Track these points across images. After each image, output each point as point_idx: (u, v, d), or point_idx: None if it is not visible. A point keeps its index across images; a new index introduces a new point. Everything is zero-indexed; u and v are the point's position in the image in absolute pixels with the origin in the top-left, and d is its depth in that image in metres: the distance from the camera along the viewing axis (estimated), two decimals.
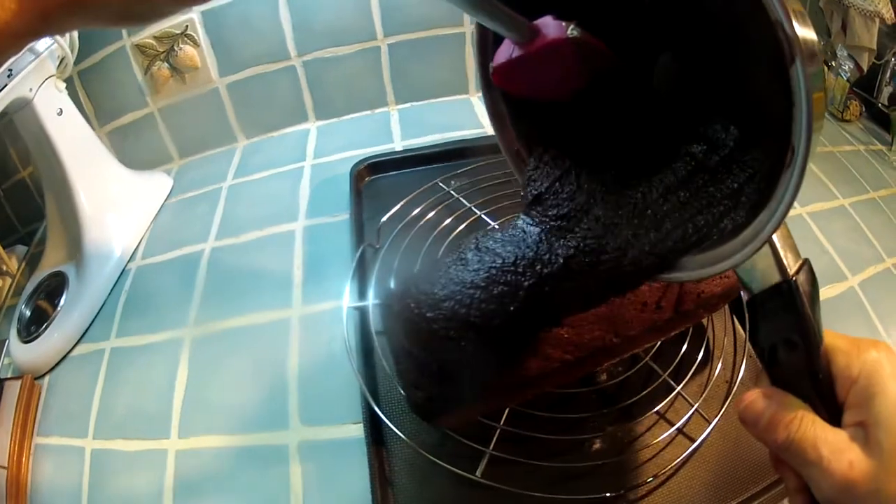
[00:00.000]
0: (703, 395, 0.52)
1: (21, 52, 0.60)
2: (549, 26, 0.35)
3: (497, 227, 0.65)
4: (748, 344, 0.56)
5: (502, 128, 0.48)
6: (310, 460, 0.53)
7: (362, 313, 0.60)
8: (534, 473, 0.47)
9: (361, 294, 0.61)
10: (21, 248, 0.84)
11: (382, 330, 0.52)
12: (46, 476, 0.59)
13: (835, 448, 0.30)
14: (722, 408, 0.52)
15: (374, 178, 0.77)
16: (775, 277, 0.32)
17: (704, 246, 0.35)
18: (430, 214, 0.68)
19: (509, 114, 0.47)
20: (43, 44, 0.68)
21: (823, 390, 0.33)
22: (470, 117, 0.89)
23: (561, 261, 0.44)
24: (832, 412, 0.32)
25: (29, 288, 0.75)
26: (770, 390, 0.34)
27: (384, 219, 0.67)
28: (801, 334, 0.32)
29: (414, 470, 0.50)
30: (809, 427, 0.31)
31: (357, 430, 0.54)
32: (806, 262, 0.32)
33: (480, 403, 0.48)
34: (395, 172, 0.78)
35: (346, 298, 0.60)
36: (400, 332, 0.46)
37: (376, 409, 0.51)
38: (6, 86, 0.63)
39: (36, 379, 0.66)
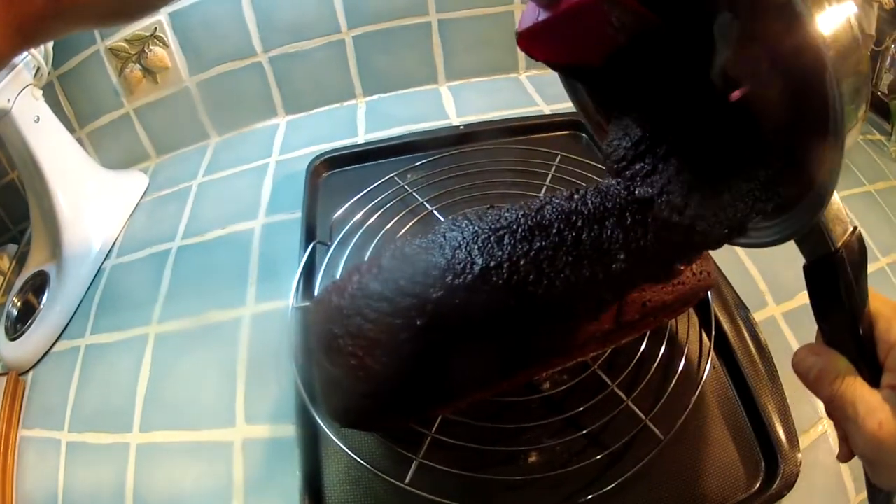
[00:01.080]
0: (657, 408, 0.50)
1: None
2: None
3: (444, 221, 0.65)
4: (713, 349, 0.54)
5: (579, 100, 0.47)
6: (252, 458, 0.55)
7: (306, 313, 0.61)
8: (465, 484, 0.46)
9: (308, 293, 0.62)
10: (12, 248, 0.88)
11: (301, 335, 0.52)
12: (30, 467, 0.63)
13: (869, 408, 0.33)
14: (676, 423, 0.49)
15: (331, 173, 0.78)
16: (823, 249, 0.34)
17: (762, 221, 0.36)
18: (383, 210, 0.68)
19: (583, 88, 0.46)
20: (18, 56, 0.70)
21: (865, 352, 0.36)
22: (437, 108, 0.89)
23: (478, 268, 0.44)
24: (873, 372, 0.35)
25: (16, 286, 0.79)
26: (819, 348, 0.37)
27: (336, 215, 0.68)
28: (847, 300, 0.35)
29: (347, 472, 0.50)
30: (850, 386, 0.35)
31: (294, 431, 0.55)
32: (855, 232, 0.34)
33: (397, 415, 0.46)
34: (353, 167, 0.78)
35: (292, 298, 0.61)
36: (314, 343, 0.46)
37: (311, 409, 0.51)
38: None
39: (21, 375, 0.70)
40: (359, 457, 0.48)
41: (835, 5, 0.26)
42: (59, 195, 0.75)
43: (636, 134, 0.40)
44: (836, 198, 0.33)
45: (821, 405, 0.52)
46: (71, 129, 0.84)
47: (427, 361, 0.42)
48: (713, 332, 0.55)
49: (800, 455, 0.49)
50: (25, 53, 0.71)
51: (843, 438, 0.38)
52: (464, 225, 0.48)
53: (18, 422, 0.67)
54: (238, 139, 0.92)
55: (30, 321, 0.73)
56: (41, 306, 0.74)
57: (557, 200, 0.43)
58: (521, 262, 0.41)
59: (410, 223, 0.67)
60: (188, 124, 0.91)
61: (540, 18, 0.35)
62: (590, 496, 0.46)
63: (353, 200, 0.69)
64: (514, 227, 0.43)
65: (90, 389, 0.66)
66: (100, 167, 0.83)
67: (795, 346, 0.57)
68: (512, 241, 0.43)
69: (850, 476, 0.53)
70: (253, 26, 0.85)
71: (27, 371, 0.71)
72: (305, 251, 0.65)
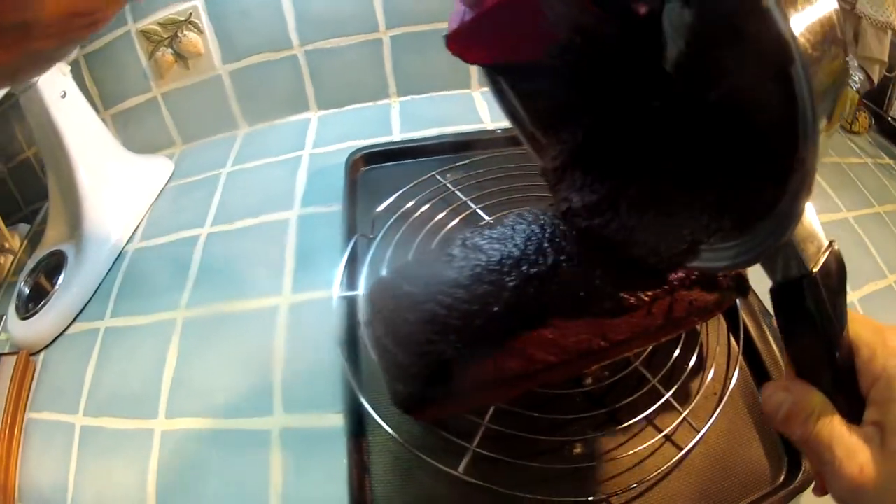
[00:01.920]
0: (693, 404, 0.51)
1: None
2: None
3: (491, 221, 0.65)
4: (741, 355, 0.56)
5: (511, 110, 0.45)
6: (290, 448, 0.54)
7: (351, 303, 0.60)
8: (516, 473, 0.47)
9: (352, 284, 0.61)
10: (24, 227, 0.85)
11: (366, 322, 0.51)
12: (36, 450, 0.60)
13: (848, 450, 0.30)
14: (711, 417, 0.51)
15: (369, 168, 0.77)
16: (794, 272, 0.31)
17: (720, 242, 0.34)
18: (425, 207, 0.68)
19: (514, 94, 0.43)
20: None
21: (844, 383, 0.32)
22: (470, 112, 0.89)
23: (550, 260, 0.45)
24: (854, 406, 0.31)
25: (29, 265, 0.76)
26: (790, 383, 0.33)
27: (378, 209, 0.67)
28: (822, 327, 0.31)
29: (395, 462, 0.50)
30: (826, 426, 0.31)
31: (339, 420, 0.54)
32: (830, 251, 0.31)
33: (461, 402, 0.47)
34: (391, 164, 0.78)
35: (336, 288, 0.60)
36: (380, 330, 0.46)
37: (361, 398, 0.50)
38: None
39: (31, 355, 0.67)
40: (412, 446, 0.47)
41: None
42: (81, 173, 0.73)
43: (574, 153, 0.40)
44: (810, 213, 0.29)
45: None
46: (95, 110, 0.81)
47: (501, 347, 0.43)
48: (742, 337, 0.56)
49: None
50: None
51: (819, 475, 0.34)
52: (531, 219, 0.49)
53: (26, 403, 0.65)
54: (268, 131, 0.90)
55: (44, 301, 0.70)
56: (57, 286, 0.71)
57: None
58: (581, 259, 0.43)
59: (454, 221, 0.66)
60: (217, 113, 0.89)
61: (466, 18, 0.32)
62: (633, 485, 0.47)
63: (396, 195, 0.68)
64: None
65: (109, 373, 0.63)
66: (124, 149, 0.81)
67: None
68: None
69: None
70: (291, 18, 0.85)
71: (38, 352, 0.68)
72: (349, 243, 0.64)
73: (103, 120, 0.83)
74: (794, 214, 0.27)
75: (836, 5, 0.24)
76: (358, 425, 0.52)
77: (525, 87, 0.41)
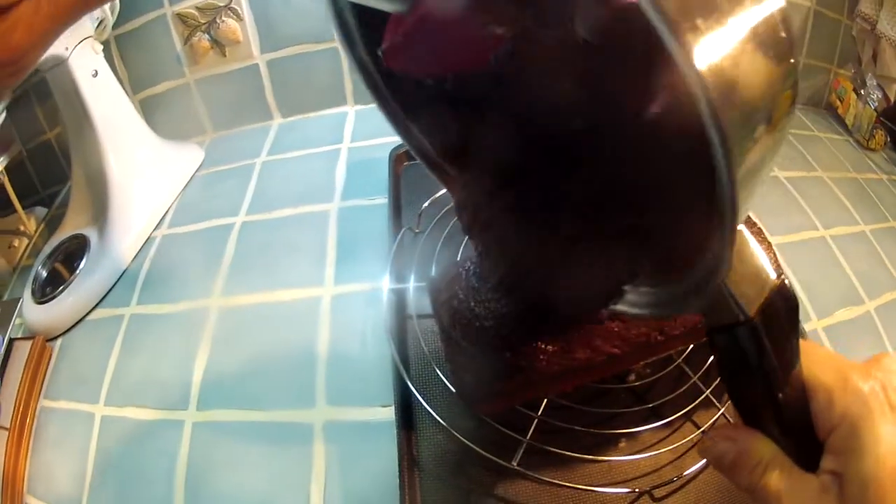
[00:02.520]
0: (727, 400, 0.51)
1: None
2: None
3: None
4: None
5: (417, 145, 0.42)
6: (335, 441, 0.51)
7: (399, 296, 0.57)
8: (564, 465, 0.47)
9: (400, 277, 0.59)
10: (41, 210, 0.82)
11: (426, 313, 0.50)
12: (50, 440, 0.57)
13: (800, 502, 0.27)
14: None
15: (412, 163, 0.75)
16: (728, 318, 0.27)
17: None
18: None
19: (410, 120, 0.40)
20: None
21: (795, 429, 0.28)
22: None
23: None
24: (809, 452, 0.28)
25: (47, 249, 0.73)
26: (736, 431, 0.30)
27: (426, 204, 0.65)
28: (763, 376, 0.28)
29: (444, 455, 0.48)
30: (774, 477, 0.28)
31: (385, 413, 0.52)
32: (779, 289, 0.27)
33: (526, 392, 0.47)
34: None
35: (387, 280, 0.58)
36: (447, 320, 0.45)
37: (413, 390, 0.49)
38: None
39: (48, 341, 0.64)
40: (465, 439, 0.47)
41: None
42: (110, 156, 0.71)
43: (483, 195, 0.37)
44: (750, 245, 0.26)
45: None
46: (124, 93, 0.79)
47: (568, 338, 0.44)
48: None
49: None
50: None
51: None
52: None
53: (41, 391, 0.61)
54: (303, 123, 0.88)
55: (63, 286, 0.67)
56: (78, 271, 0.68)
57: None
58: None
59: None
60: (252, 102, 0.87)
61: (401, 31, 0.30)
62: (674, 478, 0.47)
63: (444, 191, 0.66)
64: None
65: (134, 362, 0.60)
66: (154, 134, 0.79)
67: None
68: None
69: None
70: None
71: (56, 337, 0.65)
72: (397, 236, 0.62)
73: (132, 104, 0.81)
74: (715, 267, 0.24)
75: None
76: (407, 418, 0.50)
77: (436, 117, 0.38)
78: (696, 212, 0.22)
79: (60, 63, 0.66)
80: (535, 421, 0.48)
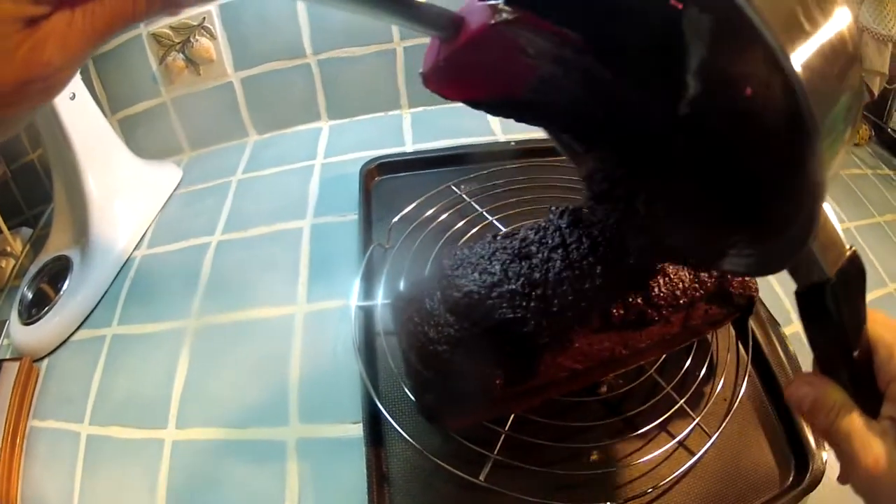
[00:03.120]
0: (705, 410, 0.53)
1: None
2: (474, 12, 0.29)
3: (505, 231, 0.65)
4: (750, 362, 0.56)
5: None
6: (307, 458, 0.53)
7: (368, 313, 0.59)
8: (534, 479, 0.47)
9: (368, 294, 0.61)
10: (26, 231, 0.84)
11: (393, 330, 0.52)
12: (40, 459, 0.59)
13: (864, 443, 0.31)
14: (722, 423, 0.52)
15: (383, 178, 0.76)
16: (815, 277, 0.32)
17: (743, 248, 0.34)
18: (443, 217, 0.68)
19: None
20: None
21: (862, 380, 0.34)
22: (482, 124, 0.88)
23: (576, 273, 0.45)
24: (872, 401, 0.33)
25: (32, 270, 0.74)
26: (813, 378, 0.35)
27: (395, 219, 0.67)
28: (840, 328, 0.33)
29: (414, 471, 0.50)
30: (844, 420, 0.32)
31: (356, 430, 0.53)
32: (850, 256, 0.32)
33: (485, 412, 0.48)
34: (405, 174, 0.77)
35: (355, 297, 0.59)
36: (405, 343, 0.46)
37: (380, 407, 0.50)
38: None
39: (35, 361, 0.66)
40: (431, 455, 0.47)
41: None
42: (89, 177, 0.72)
43: (611, 172, 0.40)
44: (830, 220, 0.31)
45: None
46: (102, 114, 0.80)
47: (529, 357, 0.44)
48: (750, 346, 0.57)
49: (825, 453, 0.51)
50: None
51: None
52: (552, 230, 0.49)
53: (29, 411, 0.63)
54: (279, 139, 0.89)
55: (48, 306, 0.69)
56: (62, 292, 0.70)
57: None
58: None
59: (472, 231, 0.66)
60: (228, 120, 0.88)
61: (441, 57, 0.31)
62: (648, 490, 0.48)
63: (413, 206, 0.68)
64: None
65: (117, 381, 0.62)
66: (132, 154, 0.80)
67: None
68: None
69: None
70: (306, 27, 0.84)
71: (42, 358, 0.67)
72: (366, 253, 0.64)
73: (110, 124, 0.82)
74: (807, 233, 0.28)
75: (849, 18, 0.24)
76: (376, 434, 0.52)
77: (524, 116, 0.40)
78: (799, 183, 0.26)
79: None
80: (503, 436, 0.49)
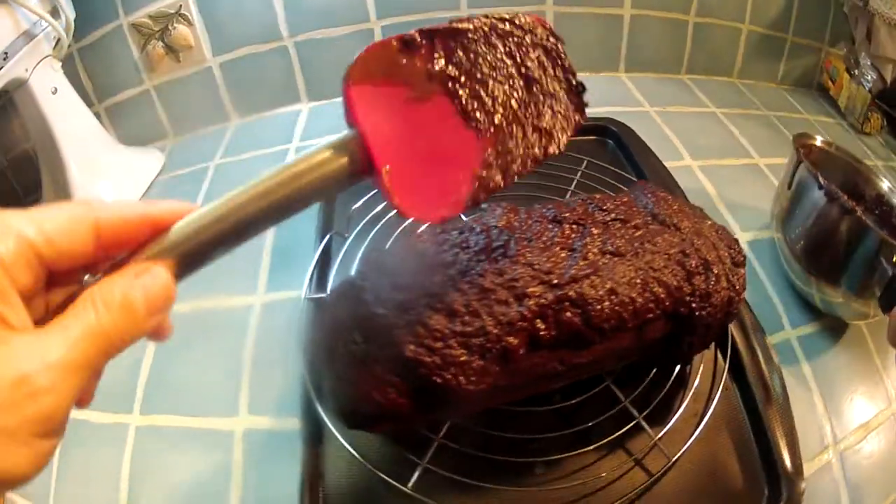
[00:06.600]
0: (668, 426, 0.48)
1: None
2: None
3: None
4: (727, 371, 0.53)
5: None
6: (252, 449, 0.54)
7: (318, 305, 0.59)
8: (467, 492, 0.45)
9: (322, 284, 0.60)
10: None
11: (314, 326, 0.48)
12: None
13: None
14: (686, 443, 0.48)
15: None
16: None
17: None
18: None
19: None
20: (38, 26, 0.69)
21: None
22: None
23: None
24: None
25: None
26: None
27: (355, 206, 0.65)
28: None
29: (349, 471, 0.49)
30: None
31: (298, 425, 0.53)
32: None
33: (402, 422, 0.44)
34: None
35: (305, 288, 0.59)
36: (324, 343, 0.44)
37: (317, 405, 0.49)
38: (2, 68, 0.65)
39: None
40: (363, 457, 0.46)
41: None
42: (73, 168, 0.75)
43: None
44: None
45: (828, 434, 0.54)
46: (89, 103, 0.82)
47: (450, 367, 0.40)
48: (728, 354, 0.53)
49: (804, 484, 0.48)
50: (46, 24, 0.70)
51: None
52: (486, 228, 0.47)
53: None
54: (259, 123, 0.90)
55: None
56: None
57: None
58: None
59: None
60: (208, 105, 0.90)
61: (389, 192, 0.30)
62: None
63: (374, 192, 0.67)
64: None
65: None
66: (115, 142, 0.82)
67: (808, 371, 0.59)
68: None
69: None
70: (280, 9, 0.84)
71: None
72: (321, 241, 0.63)
73: (97, 113, 0.85)
74: None
75: None
76: (315, 432, 0.51)
77: None
78: None
79: (22, 84, 0.70)
80: (436, 444, 0.46)
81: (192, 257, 0.28)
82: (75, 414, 0.58)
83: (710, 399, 0.51)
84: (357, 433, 0.47)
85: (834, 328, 0.63)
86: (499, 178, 0.33)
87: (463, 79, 0.33)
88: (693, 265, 0.45)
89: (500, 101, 0.34)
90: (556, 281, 0.41)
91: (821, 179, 0.57)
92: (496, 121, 0.33)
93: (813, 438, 0.54)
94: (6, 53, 0.65)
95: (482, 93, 0.33)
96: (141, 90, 0.88)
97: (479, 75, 0.33)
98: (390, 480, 0.45)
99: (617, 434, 0.47)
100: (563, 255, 0.43)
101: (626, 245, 0.45)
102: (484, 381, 0.39)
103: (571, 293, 0.41)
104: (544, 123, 0.35)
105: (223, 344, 0.62)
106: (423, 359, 0.38)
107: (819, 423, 0.56)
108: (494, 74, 0.34)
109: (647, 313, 0.43)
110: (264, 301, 0.65)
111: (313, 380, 0.50)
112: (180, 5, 0.82)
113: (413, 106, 0.31)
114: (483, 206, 0.61)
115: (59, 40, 0.75)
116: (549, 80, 0.36)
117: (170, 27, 0.83)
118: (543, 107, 0.35)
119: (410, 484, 0.44)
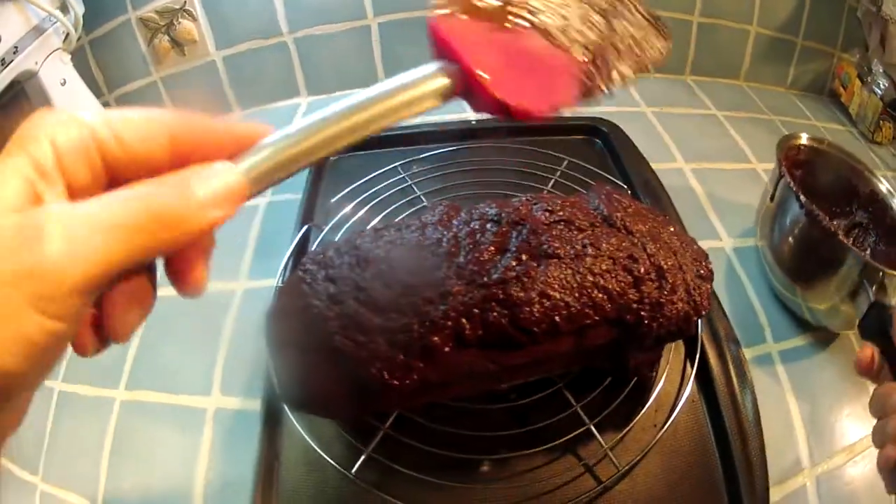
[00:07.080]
0: (623, 433, 0.48)
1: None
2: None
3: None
4: (693, 387, 0.52)
5: None
6: (221, 428, 0.57)
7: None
8: (410, 484, 0.45)
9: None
10: None
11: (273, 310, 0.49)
12: None
13: None
14: (641, 455, 0.47)
15: (339, 157, 0.78)
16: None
17: None
18: (380, 199, 0.69)
19: None
20: (48, 21, 0.73)
21: None
22: (454, 104, 0.88)
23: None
24: None
25: None
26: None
27: (333, 200, 0.68)
28: None
29: (305, 453, 0.49)
30: None
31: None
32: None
33: (337, 410, 0.46)
34: (362, 153, 0.77)
35: (278, 278, 0.62)
36: (276, 327, 0.46)
37: (277, 389, 0.49)
38: (13, 61, 0.68)
39: None
40: (315, 440, 0.48)
41: None
42: None
43: None
44: None
45: (805, 456, 0.53)
46: (99, 94, 0.86)
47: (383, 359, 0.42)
48: (696, 366, 0.52)
49: None
50: (55, 19, 0.74)
51: None
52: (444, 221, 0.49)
53: None
54: (260, 115, 0.93)
55: None
56: None
57: None
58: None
59: (406, 213, 0.66)
60: (212, 97, 0.93)
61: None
62: None
63: (352, 187, 0.70)
64: None
65: None
66: None
67: (788, 386, 0.57)
68: None
69: None
70: (280, 6, 0.87)
71: None
72: (298, 232, 0.66)
73: (107, 103, 0.88)
74: None
75: None
76: (274, 415, 0.52)
77: None
78: None
79: (32, 76, 0.74)
80: (381, 433, 0.47)
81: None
82: (66, 387, 0.62)
83: (672, 410, 0.50)
84: (315, 419, 0.49)
85: (821, 342, 0.62)
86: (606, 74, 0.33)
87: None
88: (642, 271, 0.45)
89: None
90: (483, 280, 0.42)
91: (802, 199, 0.55)
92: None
93: (787, 459, 0.53)
94: (16, 48, 0.69)
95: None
96: (148, 82, 0.91)
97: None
98: (335, 465, 0.46)
99: (565, 438, 0.47)
100: (496, 255, 0.44)
101: (565, 247, 0.45)
102: (408, 376, 0.40)
103: (499, 293, 0.41)
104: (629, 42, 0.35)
105: (204, 326, 0.65)
106: (350, 351, 0.40)
107: (796, 443, 0.54)
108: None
109: (585, 318, 0.42)
110: (246, 287, 0.68)
111: (276, 363, 0.52)
112: (185, 1, 0.85)
113: (499, 34, 0.32)
114: (425, 203, 0.64)
115: (67, 34, 0.78)
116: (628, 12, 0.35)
117: (175, 22, 0.86)
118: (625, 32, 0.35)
119: (354, 470, 0.46)
